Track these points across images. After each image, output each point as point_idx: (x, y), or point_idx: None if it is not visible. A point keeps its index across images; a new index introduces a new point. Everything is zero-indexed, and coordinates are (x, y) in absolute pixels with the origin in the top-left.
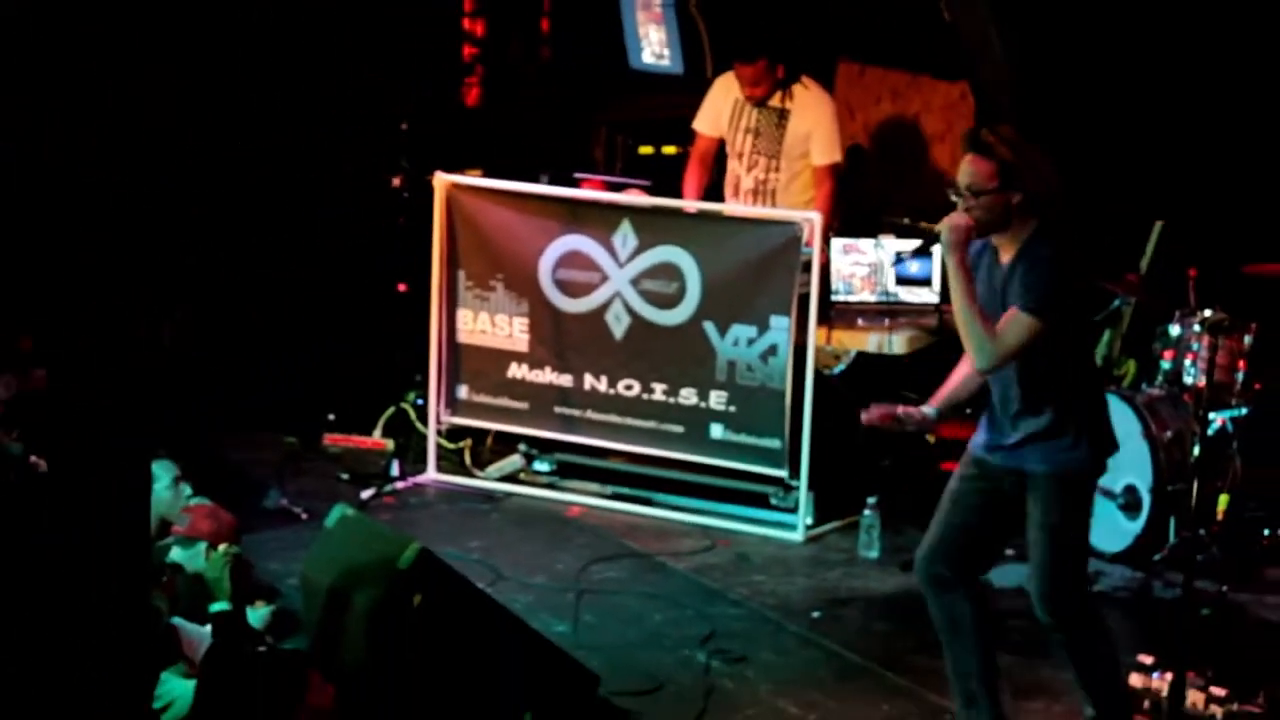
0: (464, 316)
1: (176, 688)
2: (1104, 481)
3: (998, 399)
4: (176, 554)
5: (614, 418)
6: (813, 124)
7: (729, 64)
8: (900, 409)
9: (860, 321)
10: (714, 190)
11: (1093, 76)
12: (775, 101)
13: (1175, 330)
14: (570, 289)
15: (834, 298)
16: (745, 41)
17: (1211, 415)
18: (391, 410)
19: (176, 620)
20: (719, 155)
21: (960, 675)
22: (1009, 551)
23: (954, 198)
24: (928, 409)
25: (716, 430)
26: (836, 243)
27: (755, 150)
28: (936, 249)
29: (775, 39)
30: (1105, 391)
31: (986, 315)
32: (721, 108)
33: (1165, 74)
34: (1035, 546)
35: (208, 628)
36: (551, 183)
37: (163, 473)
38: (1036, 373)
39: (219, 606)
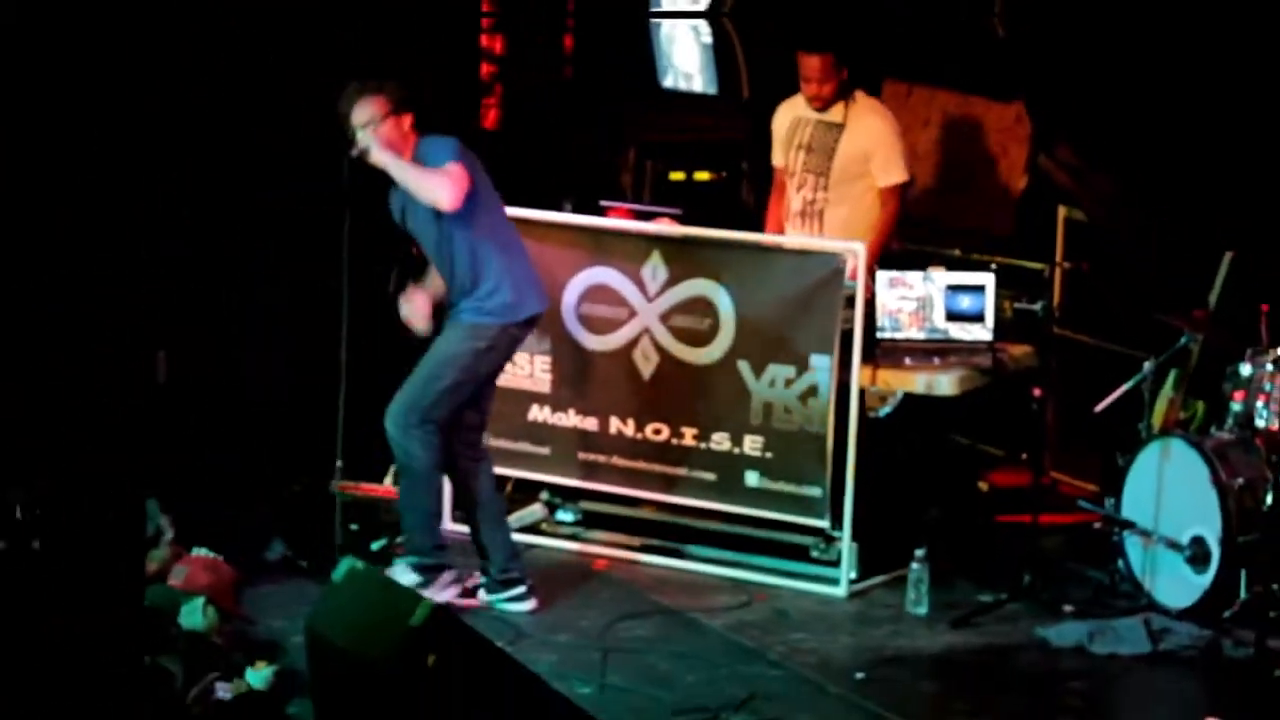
0: None
1: None
2: (1169, 531)
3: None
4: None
5: (641, 464)
6: (872, 142)
7: (766, 82)
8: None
9: (908, 360)
10: None
11: (1158, 103)
12: (833, 115)
13: (1246, 370)
14: (595, 325)
15: (880, 335)
16: (810, 29)
17: None
18: None
19: None
20: None
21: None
22: (1067, 608)
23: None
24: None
25: (752, 478)
26: (882, 276)
27: (805, 168)
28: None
29: (842, 33)
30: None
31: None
32: (783, 130)
33: (1234, 101)
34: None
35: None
36: (575, 211)
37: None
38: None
39: None
